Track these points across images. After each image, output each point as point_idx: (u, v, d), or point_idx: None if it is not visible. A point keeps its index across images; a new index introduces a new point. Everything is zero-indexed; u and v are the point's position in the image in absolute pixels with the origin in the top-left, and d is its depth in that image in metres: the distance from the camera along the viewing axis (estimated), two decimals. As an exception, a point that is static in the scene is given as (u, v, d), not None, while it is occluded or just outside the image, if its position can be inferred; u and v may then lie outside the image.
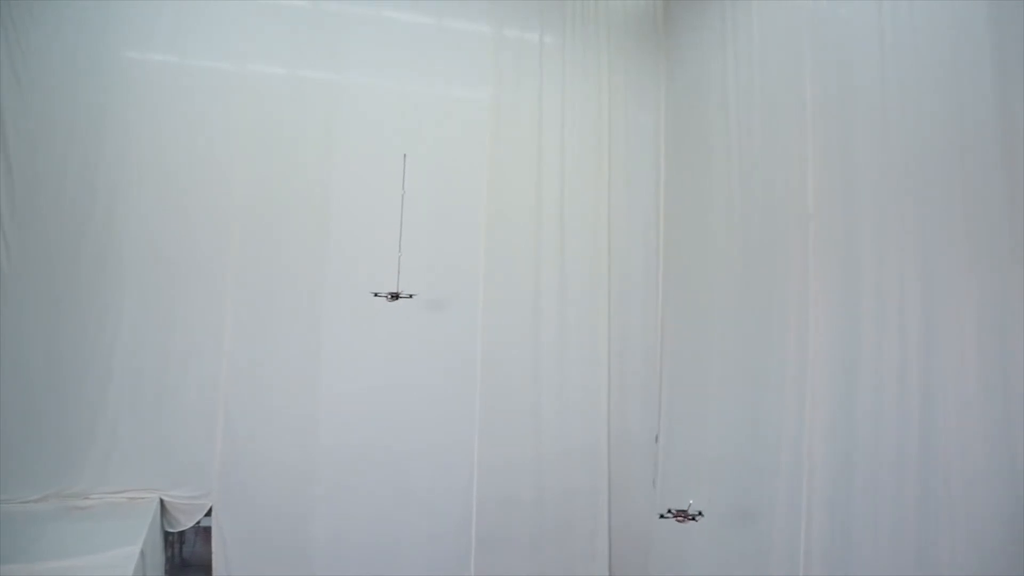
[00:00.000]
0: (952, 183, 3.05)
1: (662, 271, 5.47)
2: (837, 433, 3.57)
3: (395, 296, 4.52)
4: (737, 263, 4.51)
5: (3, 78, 4.24)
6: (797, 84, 4.00)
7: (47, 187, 4.33)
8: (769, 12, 4.33)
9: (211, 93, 4.63)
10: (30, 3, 4.30)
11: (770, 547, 3.94)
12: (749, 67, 4.49)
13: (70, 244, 4.36)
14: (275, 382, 4.67)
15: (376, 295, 4.51)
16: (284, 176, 4.75)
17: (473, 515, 4.95)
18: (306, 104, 4.82)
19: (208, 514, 4.51)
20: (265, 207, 4.71)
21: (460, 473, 4.96)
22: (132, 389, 4.42)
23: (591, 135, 5.40)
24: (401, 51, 5.00)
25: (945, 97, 3.10)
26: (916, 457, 3.11)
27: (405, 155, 4.68)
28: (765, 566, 3.95)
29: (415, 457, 4.89)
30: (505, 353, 5.09)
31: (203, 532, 4.65)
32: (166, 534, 4.49)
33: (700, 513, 4.11)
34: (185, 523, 4.49)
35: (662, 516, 4.18)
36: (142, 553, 3.62)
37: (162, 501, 4.40)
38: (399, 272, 4.55)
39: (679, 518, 4.08)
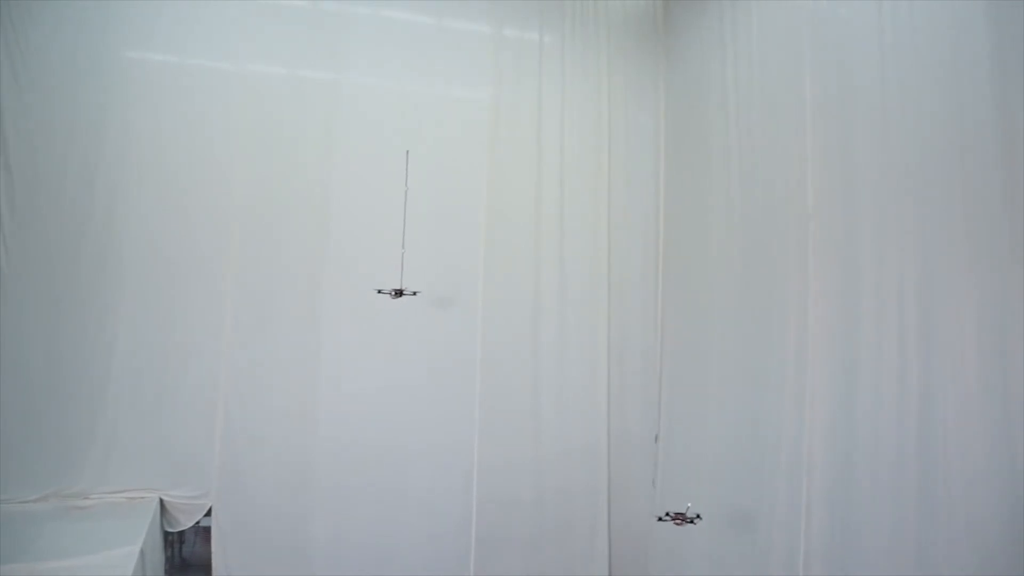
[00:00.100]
0: (952, 183, 3.04)
1: (662, 271, 5.47)
2: (837, 433, 3.57)
3: (399, 293, 4.51)
4: (737, 263, 4.50)
5: (3, 78, 4.24)
6: (797, 84, 3.99)
7: (47, 187, 4.32)
8: (769, 12, 4.33)
9: (211, 93, 4.63)
10: (30, 3, 4.29)
11: (770, 547, 3.94)
12: (749, 67, 4.49)
13: (70, 244, 4.36)
14: (275, 382, 4.67)
15: (380, 292, 4.51)
16: (284, 176, 4.75)
17: (473, 515, 4.94)
18: (306, 104, 4.82)
19: (208, 514, 4.51)
20: (265, 207, 4.71)
21: (460, 473, 4.96)
22: (132, 389, 4.42)
23: (591, 135, 5.40)
24: (401, 51, 4.99)
25: (945, 97, 3.10)
26: (916, 457, 3.11)
27: (408, 151, 4.67)
28: (765, 566, 3.95)
29: (415, 457, 4.88)
30: (505, 353, 5.09)
31: (203, 532, 4.65)
32: (166, 534, 4.48)
33: (698, 516, 4.11)
34: (185, 523, 4.49)
35: (660, 519, 4.17)
36: (142, 553, 3.62)
37: (162, 501, 4.40)
38: (403, 268, 4.54)
39: (677, 521, 4.08)
